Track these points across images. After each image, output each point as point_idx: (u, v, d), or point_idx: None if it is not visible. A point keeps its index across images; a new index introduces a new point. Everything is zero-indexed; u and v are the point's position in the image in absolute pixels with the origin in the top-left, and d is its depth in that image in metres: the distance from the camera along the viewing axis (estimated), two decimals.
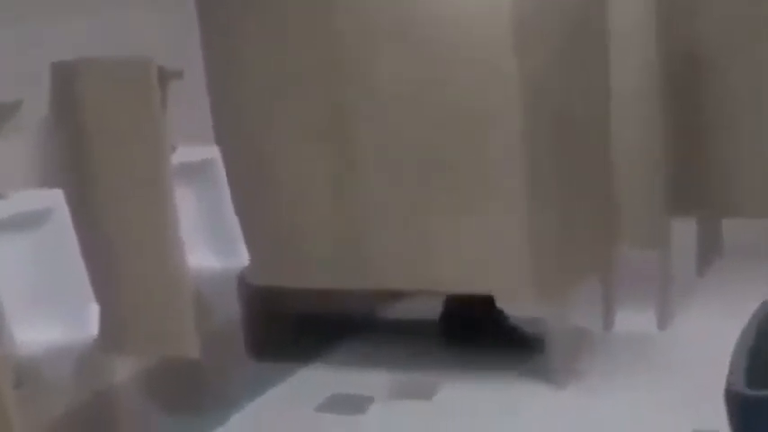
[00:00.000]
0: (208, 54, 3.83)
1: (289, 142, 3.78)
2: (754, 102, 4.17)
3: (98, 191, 3.18)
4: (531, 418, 3.53)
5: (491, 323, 4.15)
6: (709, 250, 4.78)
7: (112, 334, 3.07)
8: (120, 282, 3.19)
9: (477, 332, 4.11)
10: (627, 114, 3.93)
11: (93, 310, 2.94)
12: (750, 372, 2.16)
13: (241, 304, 4.00)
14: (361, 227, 3.76)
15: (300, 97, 3.73)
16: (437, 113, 3.59)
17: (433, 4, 3.52)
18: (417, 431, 3.51)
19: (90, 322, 2.93)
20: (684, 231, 4.41)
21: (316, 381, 3.94)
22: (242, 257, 3.51)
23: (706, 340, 3.91)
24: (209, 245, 3.49)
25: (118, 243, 3.20)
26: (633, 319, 4.17)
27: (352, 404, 3.72)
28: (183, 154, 3.38)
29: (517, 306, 4.12)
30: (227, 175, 3.52)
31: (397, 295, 4.33)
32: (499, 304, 4.11)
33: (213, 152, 3.54)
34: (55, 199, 2.94)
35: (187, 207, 3.37)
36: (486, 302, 4.07)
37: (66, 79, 3.15)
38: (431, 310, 4.24)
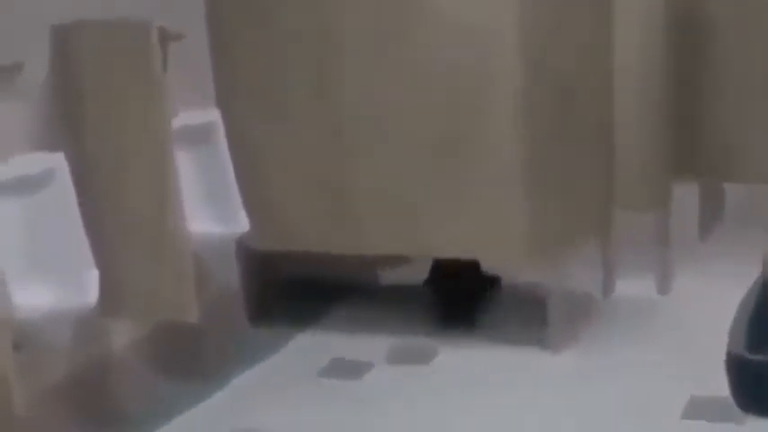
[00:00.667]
0: (210, 15, 3.80)
1: (290, 105, 3.76)
2: (758, 64, 4.13)
3: (98, 154, 3.16)
4: (530, 383, 3.53)
5: (476, 288, 4.15)
6: (711, 215, 4.77)
7: (112, 298, 3.06)
8: (120, 246, 3.18)
9: (462, 297, 4.12)
10: (629, 75, 3.91)
11: (93, 275, 2.93)
12: (750, 337, 2.16)
13: (240, 269, 3.99)
14: (358, 192, 3.74)
15: (303, 59, 3.70)
16: (434, 77, 3.56)
17: None
18: (417, 396, 3.50)
19: (90, 286, 2.92)
20: (687, 196, 4.39)
21: (315, 346, 3.94)
22: (242, 223, 3.50)
23: (706, 305, 3.92)
24: (208, 210, 3.48)
25: (118, 207, 3.18)
26: (633, 284, 4.17)
27: (352, 369, 3.72)
28: (184, 118, 3.36)
29: (516, 271, 4.12)
30: (228, 139, 3.51)
31: (395, 260, 4.32)
32: (496, 269, 4.11)
33: (214, 116, 3.52)
34: (56, 161, 2.92)
35: (187, 171, 3.35)
36: (471, 267, 4.06)
37: (66, 42, 3.12)
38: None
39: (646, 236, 4.19)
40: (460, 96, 3.55)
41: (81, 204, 2.95)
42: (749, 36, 4.15)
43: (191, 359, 3.69)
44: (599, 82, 3.84)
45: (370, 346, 3.86)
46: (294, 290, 4.25)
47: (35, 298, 2.83)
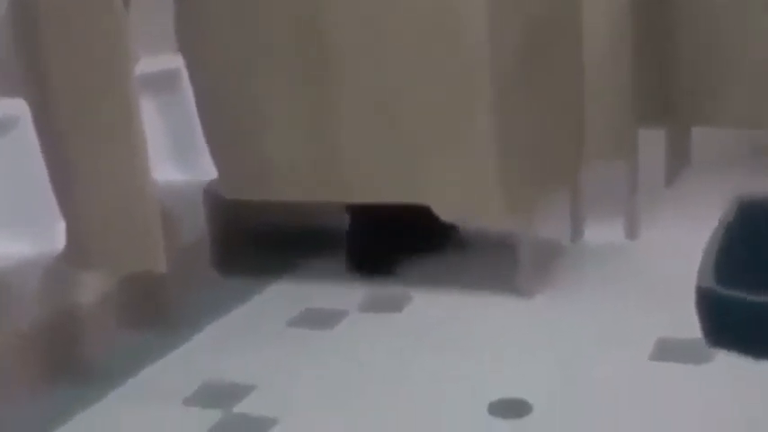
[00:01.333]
0: None
1: (256, 53, 3.70)
2: (722, 8, 4.12)
3: (60, 102, 3.09)
4: (501, 328, 3.54)
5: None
6: (678, 160, 4.79)
7: (78, 249, 3.02)
8: (85, 196, 3.12)
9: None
10: (596, 21, 3.89)
11: (59, 225, 2.88)
12: (719, 271, 2.16)
13: (208, 219, 3.96)
14: (329, 138, 3.70)
15: (269, 6, 3.64)
16: (400, 24, 3.52)
17: None
18: (389, 343, 3.50)
19: (56, 237, 2.87)
20: (652, 141, 4.40)
21: (287, 295, 3.91)
22: (208, 171, 3.45)
23: (674, 249, 3.94)
24: (174, 158, 3.43)
25: (82, 156, 3.12)
26: (602, 230, 4.18)
27: (324, 318, 3.71)
28: (147, 64, 3.29)
29: (486, 218, 4.10)
30: (192, 85, 3.45)
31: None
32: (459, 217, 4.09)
33: (178, 62, 3.46)
34: (18, 108, 2.84)
35: (151, 119, 3.30)
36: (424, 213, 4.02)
37: None
38: None
39: (613, 182, 4.20)
40: (426, 49, 3.51)
41: (45, 153, 2.89)
42: None
43: (159, 309, 3.66)
44: (568, 26, 3.81)
45: (343, 295, 3.85)
46: (265, 239, 4.21)
47: (0, 247, 2.79)
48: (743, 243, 2.26)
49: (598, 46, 3.90)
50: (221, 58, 3.74)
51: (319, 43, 3.62)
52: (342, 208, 4.06)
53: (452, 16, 3.45)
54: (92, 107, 3.09)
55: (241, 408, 3.12)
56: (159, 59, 3.41)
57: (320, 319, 3.71)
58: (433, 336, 3.52)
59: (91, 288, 3.43)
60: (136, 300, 3.58)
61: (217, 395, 3.21)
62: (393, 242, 4.10)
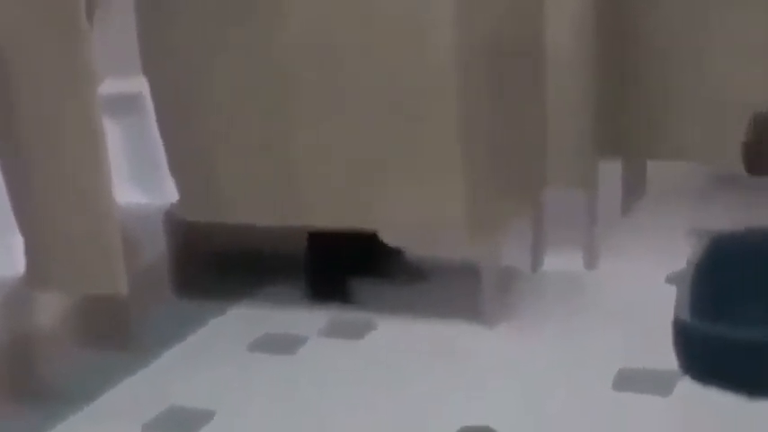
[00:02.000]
0: None
1: (217, 76, 3.68)
2: (682, 42, 4.18)
3: (22, 120, 3.05)
4: (465, 356, 3.53)
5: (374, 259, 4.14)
6: (633, 190, 4.83)
7: (39, 270, 2.97)
8: (47, 217, 3.08)
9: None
10: (559, 53, 3.92)
11: (19, 243, 2.84)
12: (693, 305, 2.19)
13: (169, 242, 3.92)
14: (286, 163, 3.68)
15: (235, 26, 3.62)
16: (365, 36, 3.50)
17: None
18: (349, 370, 3.48)
19: (16, 258, 2.82)
20: (608, 171, 4.44)
21: (247, 319, 3.88)
22: (170, 193, 3.42)
23: (632, 278, 3.99)
24: (135, 180, 3.40)
25: (43, 176, 3.08)
26: (561, 259, 4.20)
27: (286, 343, 3.68)
28: (110, 85, 3.26)
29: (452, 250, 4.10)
30: (155, 107, 3.41)
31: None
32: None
33: (141, 84, 3.43)
34: None
35: (113, 140, 3.26)
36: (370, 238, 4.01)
37: None
38: None
39: (572, 212, 4.22)
40: (391, 66, 3.50)
41: (4, 170, 2.84)
42: (672, 13, 4.19)
43: (118, 331, 3.61)
44: (532, 54, 3.84)
45: (305, 320, 3.82)
46: (226, 262, 4.18)
47: None
48: (714, 278, 2.29)
49: (561, 79, 3.93)
50: (184, 80, 3.71)
51: (277, 70, 3.61)
52: (303, 231, 4.04)
53: (415, 37, 3.45)
54: (55, 127, 3.05)
55: None
56: (123, 81, 3.38)
57: (281, 344, 3.67)
58: (396, 363, 3.50)
59: (50, 309, 3.37)
60: (95, 322, 3.52)
61: (177, 420, 3.16)
62: (348, 267, 4.08)
